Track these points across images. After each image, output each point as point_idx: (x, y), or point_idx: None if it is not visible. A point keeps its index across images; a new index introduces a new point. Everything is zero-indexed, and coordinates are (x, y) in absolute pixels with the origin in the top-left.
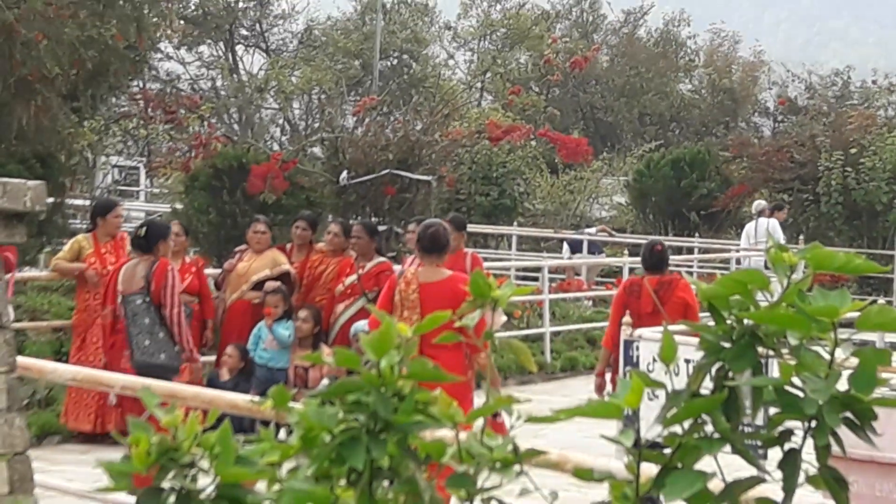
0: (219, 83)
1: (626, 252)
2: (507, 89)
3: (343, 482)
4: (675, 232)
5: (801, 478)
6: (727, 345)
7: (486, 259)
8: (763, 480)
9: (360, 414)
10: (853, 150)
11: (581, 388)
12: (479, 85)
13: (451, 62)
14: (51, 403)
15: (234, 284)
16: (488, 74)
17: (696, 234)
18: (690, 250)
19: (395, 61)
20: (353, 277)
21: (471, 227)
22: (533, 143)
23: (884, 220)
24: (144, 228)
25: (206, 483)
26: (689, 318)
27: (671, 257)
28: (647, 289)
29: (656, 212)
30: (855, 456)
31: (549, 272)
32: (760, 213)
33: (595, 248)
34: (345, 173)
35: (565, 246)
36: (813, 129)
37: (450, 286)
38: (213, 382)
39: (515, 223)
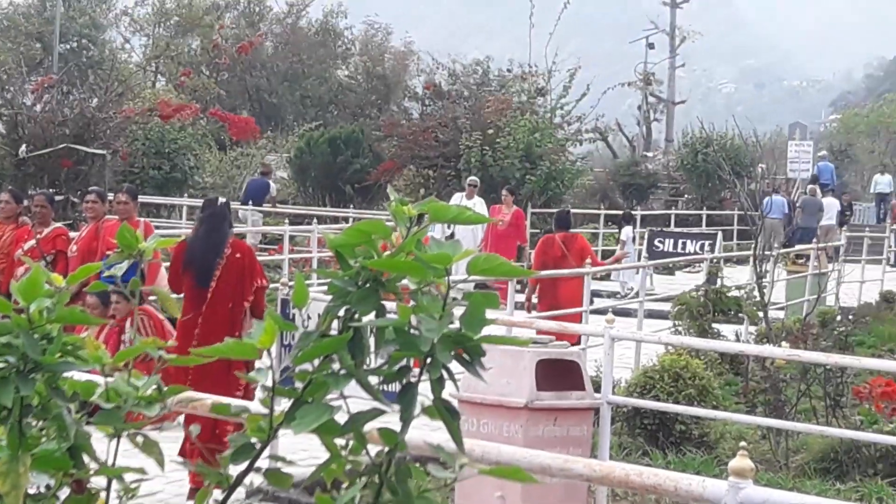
0: None
1: (286, 221)
2: (179, 72)
3: None
4: (331, 203)
5: (418, 409)
6: (353, 289)
7: (158, 227)
8: (383, 412)
9: (10, 356)
10: (490, 131)
11: None
12: (153, 68)
13: (127, 46)
14: None
15: None
16: (162, 58)
17: (351, 206)
18: (346, 220)
19: (74, 44)
20: (32, 242)
21: (143, 198)
22: (203, 121)
23: (517, 193)
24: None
25: None
26: (585, 257)
27: (328, 226)
28: (558, 241)
29: (315, 185)
30: (487, 401)
31: None
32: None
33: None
34: (24, 147)
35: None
36: (455, 112)
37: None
38: None
39: (186, 195)
